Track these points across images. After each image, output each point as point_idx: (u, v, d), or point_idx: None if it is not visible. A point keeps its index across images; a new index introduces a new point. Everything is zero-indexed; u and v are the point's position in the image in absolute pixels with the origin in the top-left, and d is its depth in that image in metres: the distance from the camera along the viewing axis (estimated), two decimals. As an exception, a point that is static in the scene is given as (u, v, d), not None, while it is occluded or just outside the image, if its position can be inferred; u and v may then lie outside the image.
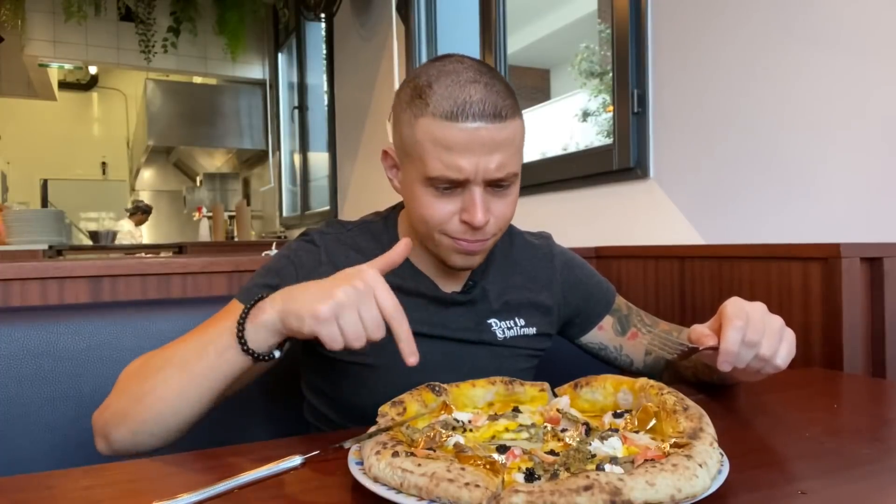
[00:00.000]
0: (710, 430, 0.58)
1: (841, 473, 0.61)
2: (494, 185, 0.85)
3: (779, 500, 0.55)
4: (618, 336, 1.07)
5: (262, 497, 0.58)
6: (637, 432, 0.65)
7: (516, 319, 1.00)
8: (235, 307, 0.83)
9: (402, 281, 0.93)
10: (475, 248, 0.89)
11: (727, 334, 0.73)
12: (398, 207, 1.02)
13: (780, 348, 0.75)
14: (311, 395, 1.01)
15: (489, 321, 0.98)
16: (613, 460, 0.55)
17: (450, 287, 0.97)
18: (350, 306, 0.68)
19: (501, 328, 0.99)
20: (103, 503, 0.58)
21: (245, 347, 0.71)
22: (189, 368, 0.73)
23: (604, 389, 0.75)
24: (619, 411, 0.72)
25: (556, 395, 0.78)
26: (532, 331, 1.01)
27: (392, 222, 1.00)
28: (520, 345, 1.00)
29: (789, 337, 0.77)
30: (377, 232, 0.99)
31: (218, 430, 0.88)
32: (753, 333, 0.73)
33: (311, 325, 0.68)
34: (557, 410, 0.71)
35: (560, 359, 1.08)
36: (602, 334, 1.08)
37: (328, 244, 0.96)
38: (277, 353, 0.74)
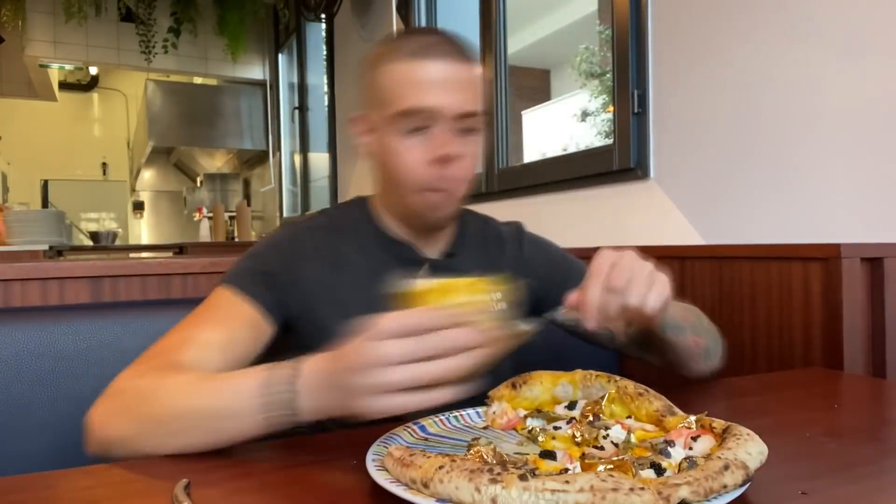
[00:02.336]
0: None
1: (841, 473, 0.61)
2: (461, 127, 0.89)
3: (779, 500, 0.55)
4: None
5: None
6: (629, 417, 0.68)
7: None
8: (223, 297, 0.87)
9: (381, 249, 0.96)
10: (448, 187, 0.91)
11: (587, 285, 0.72)
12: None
13: (649, 294, 0.72)
14: None
15: None
16: (660, 447, 0.58)
17: (429, 253, 1.00)
18: (394, 403, 0.59)
19: None
20: (103, 503, 0.58)
21: (271, 427, 0.67)
22: (202, 434, 0.69)
23: (541, 385, 0.76)
24: (572, 402, 0.73)
25: (491, 399, 0.78)
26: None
27: (364, 201, 1.03)
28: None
29: (662, 280, 0.74)
30: (351, 211, 1.02)
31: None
32: (617, 280, 0.71)
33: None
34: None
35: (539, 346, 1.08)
36: (572, 311, 1.05)
37: (307, 230, 0.98)
38: None
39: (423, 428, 0.73)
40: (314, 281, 0.93)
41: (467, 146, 0.91)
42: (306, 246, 0.96)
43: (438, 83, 0.87)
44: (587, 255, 1.66)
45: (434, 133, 0.88)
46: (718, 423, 0.60)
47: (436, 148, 0.88)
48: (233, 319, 0.86)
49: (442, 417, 0.77)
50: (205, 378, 0.73)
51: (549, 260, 1.10)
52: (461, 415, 0.79)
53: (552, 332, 1.04)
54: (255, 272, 0.91)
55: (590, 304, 0.71)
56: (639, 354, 0.98)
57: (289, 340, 0.94)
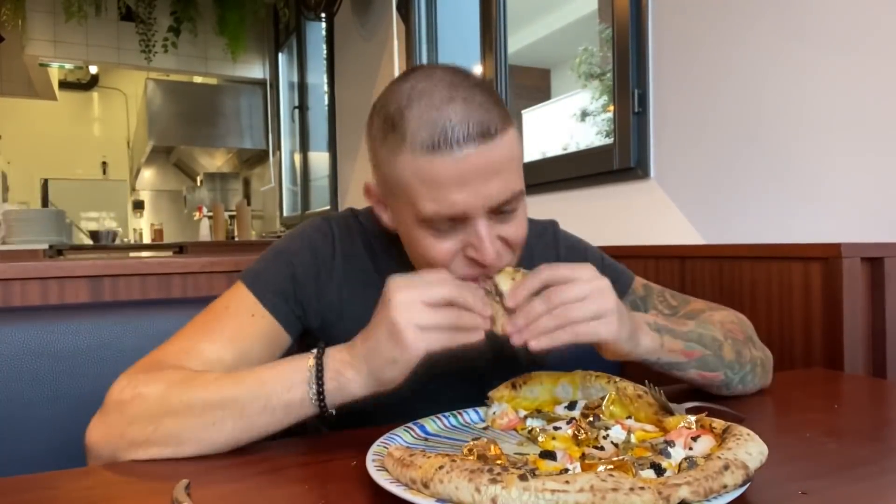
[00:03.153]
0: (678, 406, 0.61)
1: (841, 473, 0.61)
2: (499, 212, 0.76)
3: (779, 500, 0.55)
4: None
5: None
6: (629, 418, 0.68)
7: None
8: (242, 303, 0.82)
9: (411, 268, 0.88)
10: (487, 274, 0.81)
11: (513, 292, 0.71)
12: None
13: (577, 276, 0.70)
14: None
15: None
16: (661, 447, 0.58)
17: None
18: (427, 340, 0.66)
19: None
20: (104, 503, 0.58)
21: (324, 409, 0.69)
22: (249, 420, 0.69)
23: (541, 386, 0.76)
24: (572, 402, 0.73)
25: (490, 399, 0.78)
26: None
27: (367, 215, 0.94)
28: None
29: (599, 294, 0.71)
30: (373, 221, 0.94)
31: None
32: (537, 282, 0.70)
33: (407, 366, 0.67)
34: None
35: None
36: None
37: (342, 232, 0.91)
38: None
39: (422, 428, 0.73)
40: (341, 297, 0.88)
41: (509, 229, 0.77)
42: (337, 253, 0.89)
43: (466, 179, 0.71)
44: (587, 254, 1.66)
45: (468, 231, 0.75)
46: (718, 424, 0.60)
47: (470, 247, 0.75)
48: (246, 335, 0.81)
49: (442, 417, 0.77)
50: (240, 371, 0.73)
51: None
52: (460, 414, 0.79)
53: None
54: (280, 278, 0.85)
55: (515, 306, 0.70)
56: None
57: (305, 346, 0.91)
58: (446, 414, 0.77)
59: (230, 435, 0.69)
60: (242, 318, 0.82)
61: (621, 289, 1.04)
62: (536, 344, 0.68)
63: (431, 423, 0.75)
